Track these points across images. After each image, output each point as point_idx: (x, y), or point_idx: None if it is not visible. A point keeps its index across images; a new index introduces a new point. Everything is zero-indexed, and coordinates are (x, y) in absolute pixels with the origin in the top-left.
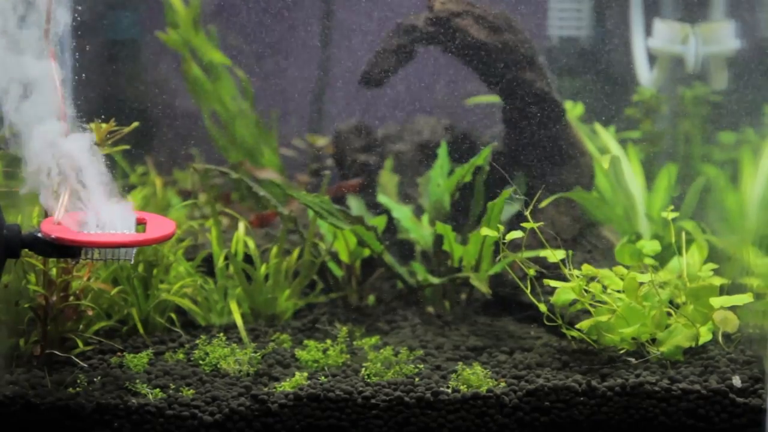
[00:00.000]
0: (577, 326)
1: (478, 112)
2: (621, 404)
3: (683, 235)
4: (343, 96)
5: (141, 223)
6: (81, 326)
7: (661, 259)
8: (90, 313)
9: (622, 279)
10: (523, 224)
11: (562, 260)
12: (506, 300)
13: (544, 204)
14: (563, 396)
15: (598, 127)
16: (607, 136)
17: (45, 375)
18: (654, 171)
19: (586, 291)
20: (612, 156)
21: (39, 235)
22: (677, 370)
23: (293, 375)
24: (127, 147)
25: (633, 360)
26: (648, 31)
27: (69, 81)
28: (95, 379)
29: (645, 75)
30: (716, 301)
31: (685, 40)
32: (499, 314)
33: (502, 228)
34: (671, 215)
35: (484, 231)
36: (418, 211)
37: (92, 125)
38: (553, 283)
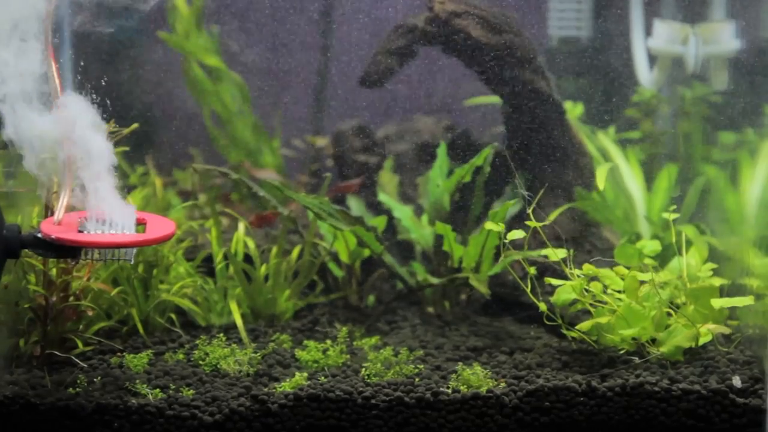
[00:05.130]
0: (577, 327)
1: (477, 113)
2: (621, 404)
3: (683, 235)
4: (344, 96)
5: (141, 224)
6: (81, 326)
7: (662, 260)
8: (90, 313)
9: (623, 279)
10: (527, 222)
11: (563, 259)
12: (506, 300)
13: (551, 218)
14: (563, 396)
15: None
16: (606, 140)
17: (45, 375)
18: (654, 171)
19: (586, 291)
20: (611, 165)
21: (39, 235)
22: (677, 371)
23: (293, 375)
24: (126, 148)
25: (636, 359)
26: (648, 32)
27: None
28: (95, 380)
29: (645, 75)
30: (717, 303)
31: (685, 41)
32: (499, 314)
33: (503, 227)
34: (672, 216)
35: (489, 225)
36: (418, 212)
37: None
38: (554, 281)
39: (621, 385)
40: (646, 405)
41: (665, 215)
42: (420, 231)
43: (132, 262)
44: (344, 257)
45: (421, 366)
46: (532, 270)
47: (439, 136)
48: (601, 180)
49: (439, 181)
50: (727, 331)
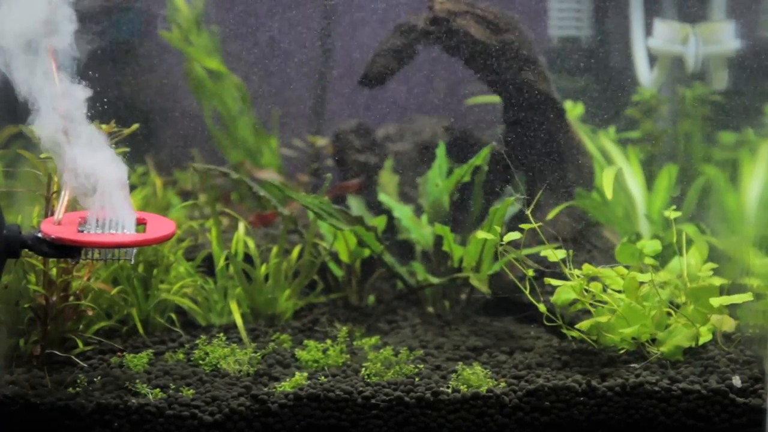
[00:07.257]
0: (576, 326)
1: (477, 112)
2: (621, 404)
3: (683, 235)
4: (344, 96)
5: (141, 223)
6: (81, 326)
7: (662, 260)
8: (90, 313)
9: (623, 278)
10: (522, 225)
11: (563, 259)
12: (506, 300)
13: (550, 216)
14: (563, 396)
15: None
16: (606, 140)
17: (45, 375)
18: (654, 171)
19: (586, 291)
20: (617, 169)
21: (39, 235)
22: (677, 370)
23: (293, 375)
24: (126, 149)
25: (636, 366)
26: (648, 31)
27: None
28: (95, 379)
29: (645, 75)
30: (716, 301)
31: (685, 40)
32: (499, 314)
33: (499, 229)
34: (674, 214)
35: (481, 234)
36: (418, 211)
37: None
38: (554, 281)
39: (621, 384)
40: (646, 405)
41: (667, 213)
42: (420, 231)
43: (132, 262)
44: (344, 257)
45: (421, 366)
46: (530, 272)
47: (439, 136)
48: (608, 187)
49: (439, 180)
50: (732, 322)
